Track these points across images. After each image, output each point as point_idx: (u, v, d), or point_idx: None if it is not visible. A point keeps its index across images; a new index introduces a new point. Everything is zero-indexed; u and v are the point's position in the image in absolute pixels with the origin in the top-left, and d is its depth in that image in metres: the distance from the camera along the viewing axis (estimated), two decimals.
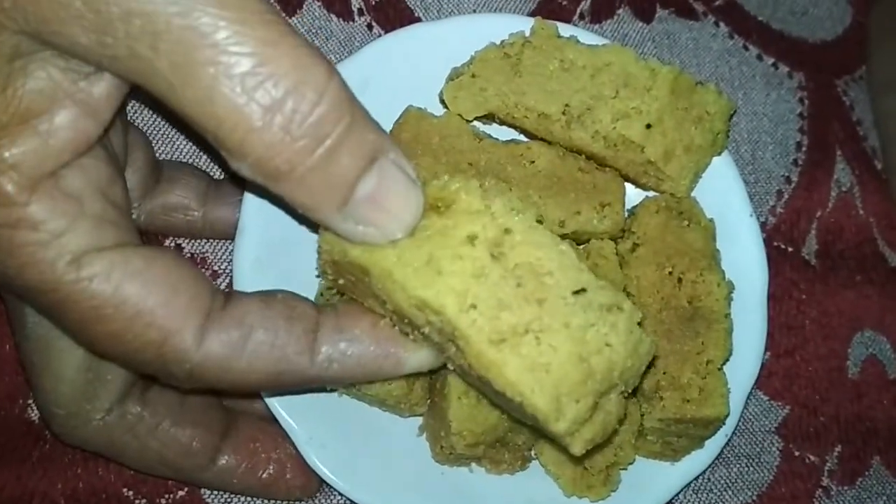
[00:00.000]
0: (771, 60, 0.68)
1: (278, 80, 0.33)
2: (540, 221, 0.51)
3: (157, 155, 0.57)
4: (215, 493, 0.55)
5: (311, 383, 0.42)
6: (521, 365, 0.36)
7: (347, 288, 0.43)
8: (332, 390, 0.51)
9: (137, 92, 0.36)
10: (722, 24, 0.68)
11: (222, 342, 0.38)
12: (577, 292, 0.37)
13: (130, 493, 0.53)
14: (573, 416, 0.37)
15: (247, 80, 0.33)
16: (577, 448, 0.38)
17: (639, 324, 0.39)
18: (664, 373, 0.51)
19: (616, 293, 0.38)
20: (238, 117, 0.33)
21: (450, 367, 0.43)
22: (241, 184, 0.52)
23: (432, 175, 0.51)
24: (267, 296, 0.41)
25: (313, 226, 0.42)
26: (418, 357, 0.42)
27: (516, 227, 0.38)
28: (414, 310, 0.38)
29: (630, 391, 0.40)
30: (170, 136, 0.58)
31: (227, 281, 0.57)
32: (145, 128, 0.57)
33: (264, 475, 0.51)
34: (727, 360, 0.52)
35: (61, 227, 0.35)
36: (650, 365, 0.51)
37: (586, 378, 0.37)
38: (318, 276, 0.51)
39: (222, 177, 0.58)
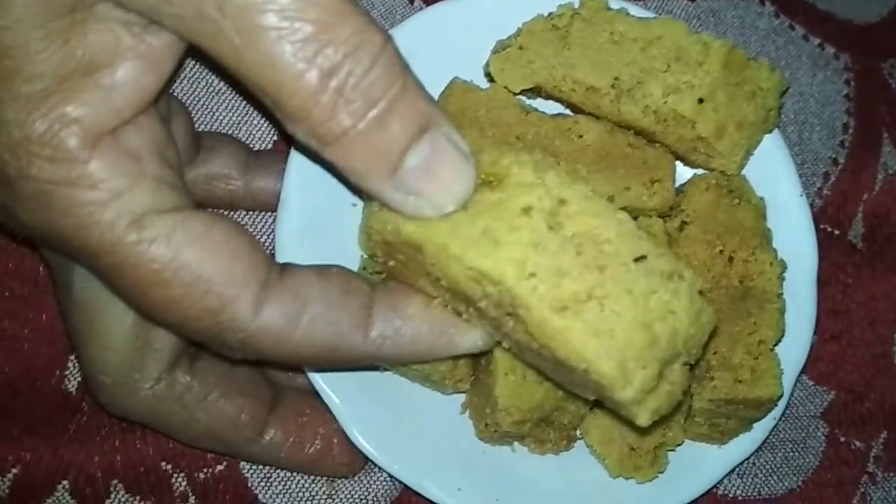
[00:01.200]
0: (817, 41, 0.67)
1: (338, 47, 0.33)
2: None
3: (197, 126, 0.56)
4: (254, 467, 0.54)
5: (362, 360, 0.41)
6: (585, 330, 0.35)
7: (397, 270, 0.42)
8: (383, 370, 0.50)
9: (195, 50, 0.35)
10: (768, 3, 0.67)
11: (278, 313, 0.38)
12: (637, 259, 0.37)
13: (169, 466, 0.53)
14: (640, 383, 0.36)
15: (308, 46, 0.33)
16: (644, 418, 0.37)
17: (700, 293, 0.38)
18: (715, 353, 0.50)
19: (676, 261, 0.38)
20: (297, 81, 0.33)
21: (504, 345, 0.42)
22: (288, 148, 0.51)
23: (478, 148, 0.51)
24: (322, 269, 0.41)
25: (366, 199, 0.41)
26: (471, 337, 0.42)
27: (571, 197, 0.37)
28: (471, 283, 0.37)
29: (693, 363, 0.39)
30: (210, 107, 0.57)
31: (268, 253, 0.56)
32: (185, 99, 0.56)
33: (311, 450, 0.51)
34: (779, 340, 0.51)
35: (122, 187, 0.34)
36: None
37: (651, 344, 0.36)
38: (361, 252, 0.51)
39: (263, 148, 0.57)
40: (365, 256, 0.51)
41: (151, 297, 0.36)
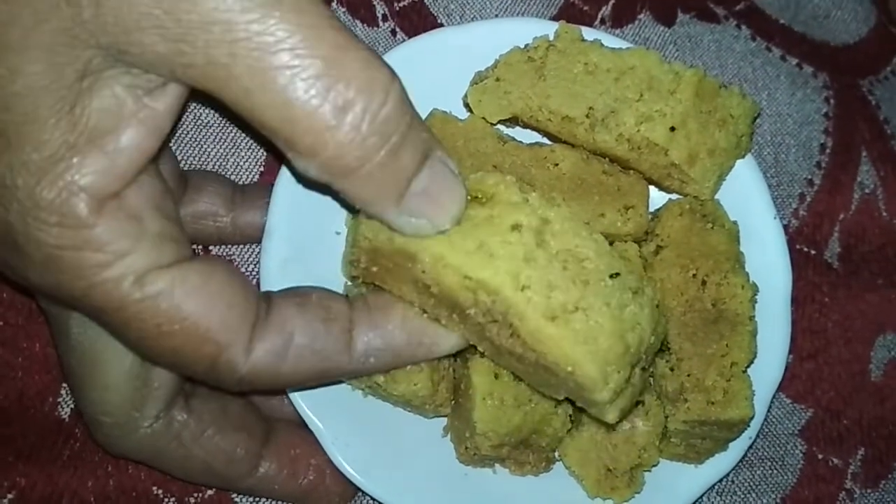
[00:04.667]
0: (795, 61, 0.68)
1: (349, 82, 0.34)
2: None
3: (185, 162, 0.58)
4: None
5: (352, 375, 0.46)
6: (575, 338, 0.40)
7: (378, 275, 0.45)
8: (365, 394, 0.52)
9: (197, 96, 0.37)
10: (744, 27, 0.68)
11: (267, 351, 0.40)
12: (612, 276, 0.41)
13: (160, 491, 0.54)
14: (615, 385, 0.41)
15: (320, 83, 0.34)
16: (613, 416, 0.42)
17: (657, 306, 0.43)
18: (688, 375, 0.51)
19: (639, 277, 0.42)
20: (312, 118, 0.34)
21: (480, 348, 0.45)
22: (274, 179, 0.52)
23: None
24: (302, 297, 0.43)
25: (354, 212, 0.45)
26: (448, 342, 0.45)
27: (554, 217, 0.41)
28: (465, 291, 0.41)
29: (647, 367, 0.44)
30: (197, 139, 0.58)
31: (253, 283, 0.58)
32: None
33: (304, 481, 0.52)
34: (751, 362, 0.52)
35: (125, 248, 0.36)
36: (674, 368, 0.52)
37: (625, 352, 0.41)
38: (344, 277, 0.52)
39: (250, 179, 0.58)
40: (348, 283, 0.52)
41: (156, 347, 0.39)
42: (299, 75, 0.34)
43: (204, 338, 0.38)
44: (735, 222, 0.55)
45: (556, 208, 0.41)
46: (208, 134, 0.58)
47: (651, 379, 0.53)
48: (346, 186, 0.37)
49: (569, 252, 0.41)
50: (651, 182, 0.55)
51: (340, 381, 0.51)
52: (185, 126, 0.58)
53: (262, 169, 0.59)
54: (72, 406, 0.55)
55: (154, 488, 0.54)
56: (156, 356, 0.40)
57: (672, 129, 0.52)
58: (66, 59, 0.34)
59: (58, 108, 0.34)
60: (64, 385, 0.55)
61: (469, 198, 0.41)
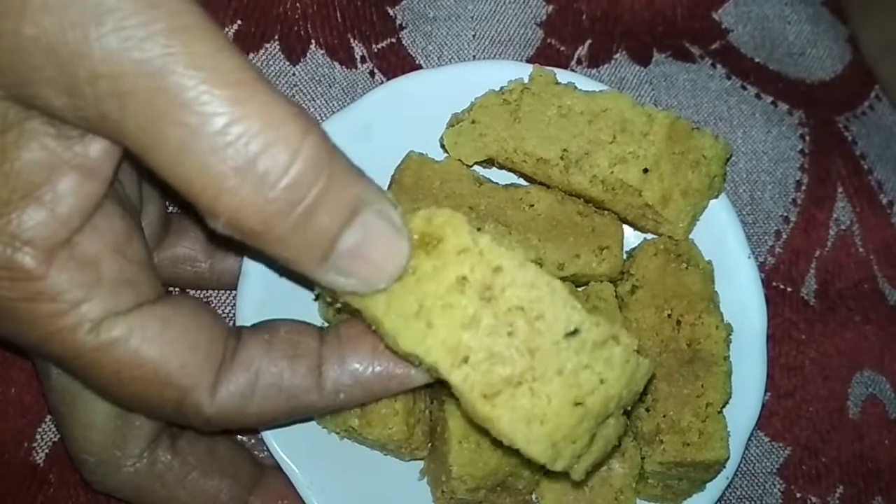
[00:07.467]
0: (770, 99, 0.69)
1: (249, 140, 0.32)
2: (539, 263, 0.52)
3: (170, 205, 0.58)
4: None
5: (325, 411, 0.45)
6: (515, 418, 0.37)
7: (347, 308, 0.43)
8: (341, 437, 0.52)
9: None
10: (719, 66, 0.69)
11: (231, 393, 0.40)
12: (569, 334, 0.38)
13: None
14: (571, 454, 0.38)
15: (215, 140, 0.32)
16: (578, 476, 0.40)
17: (637, 352, 0.39)
18: (664, 416, 0.51)
19: (611, 326, 0.38)
20: (208, 178, 0.33)
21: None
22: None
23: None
24: (271, 334, 0.42)
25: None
26: (421, 374, 0.43)
27: (506, 264, 0.38)
28: (407, 356, 0.39)
29: (628, 409, 0.42)
30: None
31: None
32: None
33: None
34: (727, 402, 0.52)
35: (80, 297, 0.36)
36: (650, 408, 0.52)
37: (581, 420, 0.38)
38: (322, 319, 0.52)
39: None
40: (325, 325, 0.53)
41: (118, 392, 0.39)
42: (193, 133, 0.32)
43: (165, 383, 0.38)
44: (709, 262, 0.55)
45: (509, 253, 0.38)
46: None
47: (627, 420, 0.53)
48: (261, 247, 0.35)
49: (520, 310, 0.37)
50: (626, 222, 0.55)
51: (322, 415, 0.51)
52: None
53: None
54: (46, 451, 0.54)
55: None
56: (119, 401, 0.39)
57: (645, 170, 0.52)
58: None
59: None
60: (39, 430, 0.55)
61: (416, 243, 0.38)
